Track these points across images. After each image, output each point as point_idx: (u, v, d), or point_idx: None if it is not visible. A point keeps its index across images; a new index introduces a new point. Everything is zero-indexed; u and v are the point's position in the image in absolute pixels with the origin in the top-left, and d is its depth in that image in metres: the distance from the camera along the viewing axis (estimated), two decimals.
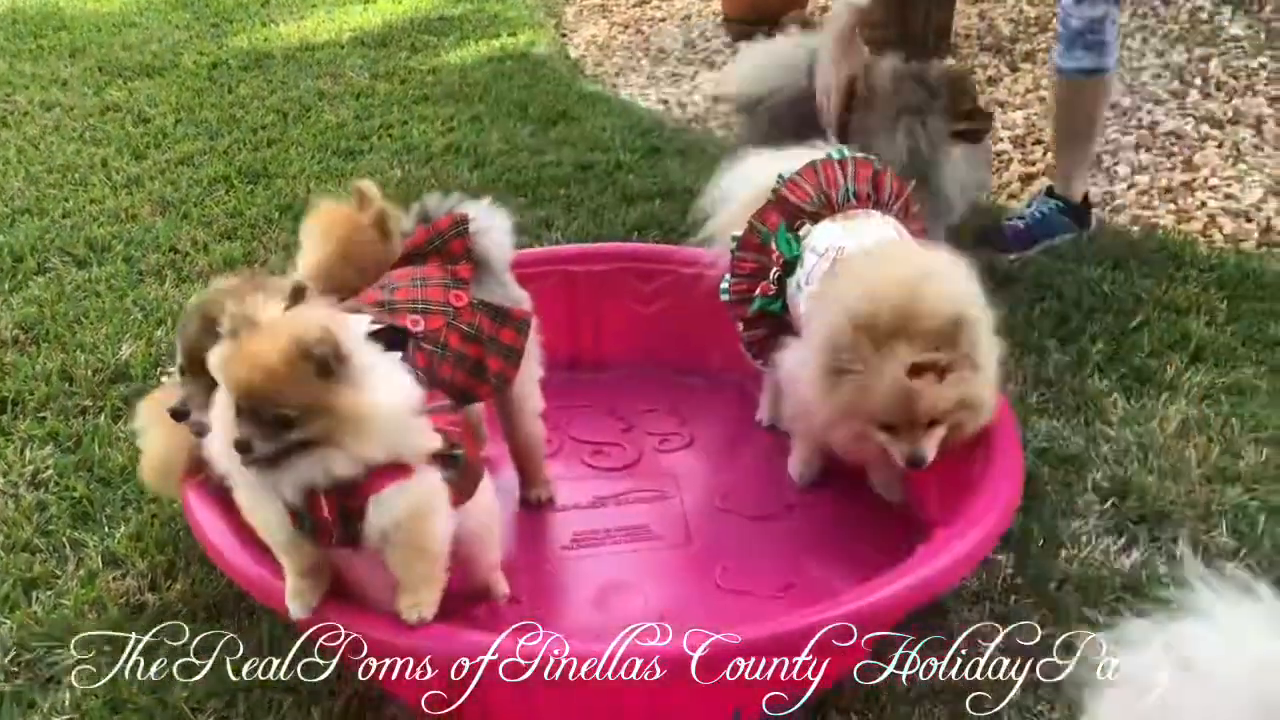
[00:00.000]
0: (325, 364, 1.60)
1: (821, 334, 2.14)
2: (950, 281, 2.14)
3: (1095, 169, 4.26)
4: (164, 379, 2.74)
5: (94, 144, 4.57)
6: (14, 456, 2.60)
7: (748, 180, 2.60)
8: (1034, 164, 4.38)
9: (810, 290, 2.32)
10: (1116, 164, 4.29)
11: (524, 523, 2.42)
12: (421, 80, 5.33)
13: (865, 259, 2.23)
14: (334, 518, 1.69)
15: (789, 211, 2.42)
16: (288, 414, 1.60)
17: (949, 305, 2.06)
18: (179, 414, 1.99)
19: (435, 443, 1.75)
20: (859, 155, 2.50)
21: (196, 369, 1.98)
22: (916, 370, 2.01)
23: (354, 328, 1.73)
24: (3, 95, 5.14)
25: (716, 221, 2.61)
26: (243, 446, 1.61)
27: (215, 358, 1.67)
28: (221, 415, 1.68)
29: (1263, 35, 5.33)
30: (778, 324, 2.43)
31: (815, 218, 2.41)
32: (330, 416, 1.62)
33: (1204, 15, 5.60)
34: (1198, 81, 4.92)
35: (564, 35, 6.41)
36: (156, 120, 4.82)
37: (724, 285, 2.53)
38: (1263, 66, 4.98)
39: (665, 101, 5.33)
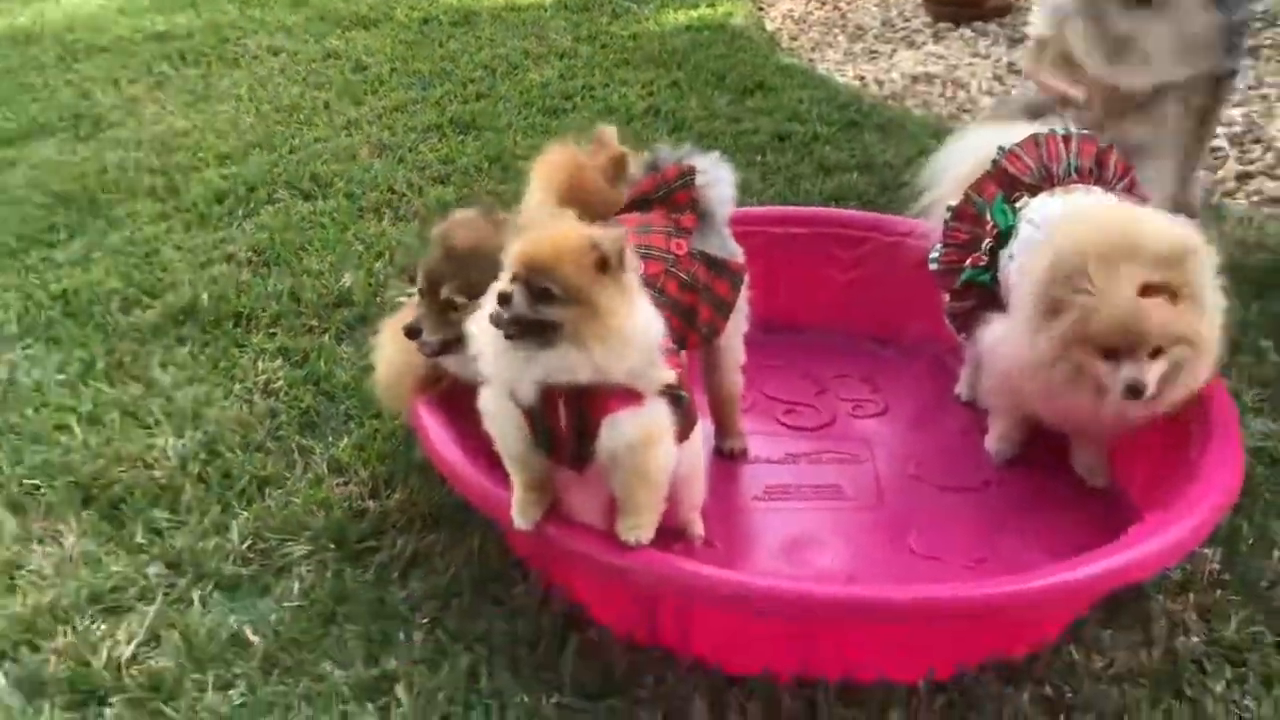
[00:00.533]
0: (606, 260, 1.71)
1: (1039, 272, 2.11)
2: (1174, 219, 2.15)
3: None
4: (390, 305, 2.90)
5: (316, 87, 4.83)
6: (248, 365, 2.80)
7: (968, 152, 2.59)
8: (1252, 162, 4.18)
9: (1021, 259, 2.30)
10: None
11: (718, 472, 2.47)
12: (622, 45, 5.42)
13: (1083, 211, 2.22)
14: (569, 431, 1.78)
15: (1007, 183, 2.40)
16: (554, 289, 1.70)
17: (1177, 233, 2.06)
18: (413, 331, 2.12)
19: (670, 376, 1.82)
20: (1084, 133, 2.46)
21: (433, 293, 2.11)
22: (1147, 290, 1.99)
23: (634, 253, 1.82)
24: (234, 39, 5.47)
25: (934, 193, 2.60)
26: (503, 298, 1.71)
27: (510, 247, 1.78)
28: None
29: None
30: (985, 296, 2.41)
31: (1034, 190, 2.37)
32: (590, 310, 1.71)
33: None
34: None
35: (761, 8, 6.41)
36: (373, 69, 5.06)
37: (934, 255, 2.52)
38: None
39: (862, 78, 5.28)
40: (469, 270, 2.03)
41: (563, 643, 1.99)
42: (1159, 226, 2.08)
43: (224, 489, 2.39)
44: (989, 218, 2.39)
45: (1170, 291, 1.99)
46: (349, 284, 3.15)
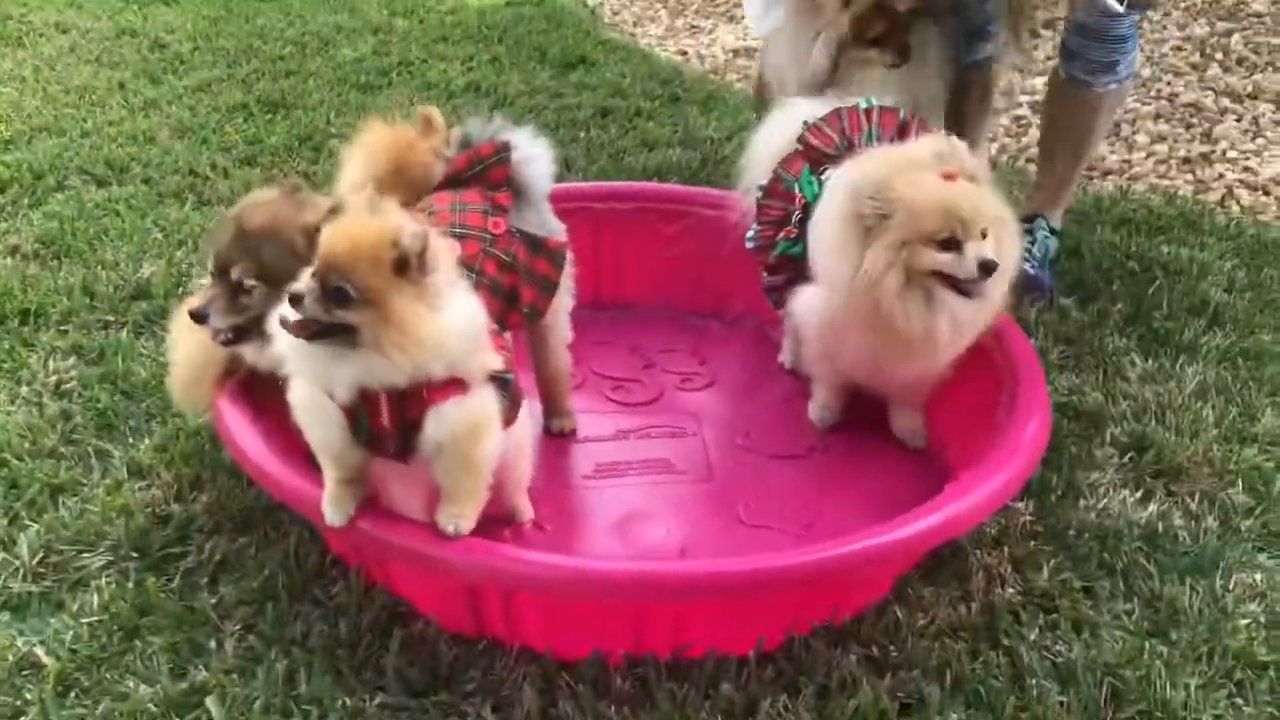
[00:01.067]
0: (405, 261, 1.62)
1: (843, 198, 2.18)
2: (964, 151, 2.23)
3: (1114, 137, 4.27)
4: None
5: (110, 67, 4.53)
6: (38, 366, 2.59)
7: (776, 132, 2.62)
8: None
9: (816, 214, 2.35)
10: (1135, 133, 4.30)
11: (547, 452, 2.42)
12: (440, 20, 5.29)
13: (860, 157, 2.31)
14: (393, 426, 1.70)
15: (813, 156, 2.44)
16: (349, 290, 1.61)
17: (938, 138, 2.24)
18: (199, 316, 1.98)
19: (496, 363, 1.76)
20: (884, 105, 2.52)
21: (223, 275, 1.98)
22: (949, 176, 2.10)
23: (446, 246, 1.73)
24: (18, 15, 5.08)
25: (752, 174, 2.61)
26: (294, 299, 1.62)
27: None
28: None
29: None
30: (799, 269, 2.44)
31: (838, 161, 2.41)
32: (381, 314, 1.62)
33: None
34: (1219, 55, 4.91)
35: None
36: (173, 47, 4.78)
37: (750, 233, 2.55)
38: None
39: (684, 52, 5.30)
40: (263, 252, 1.91)
41: (385, 640, 1.91)
42: (923, 141, 2.24)
43: (11, 500, 2.21)
44: (798, 191, 2.42)
45: (967, 176, 2.09)
46: (148, 275, 2.95)
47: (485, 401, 1.77)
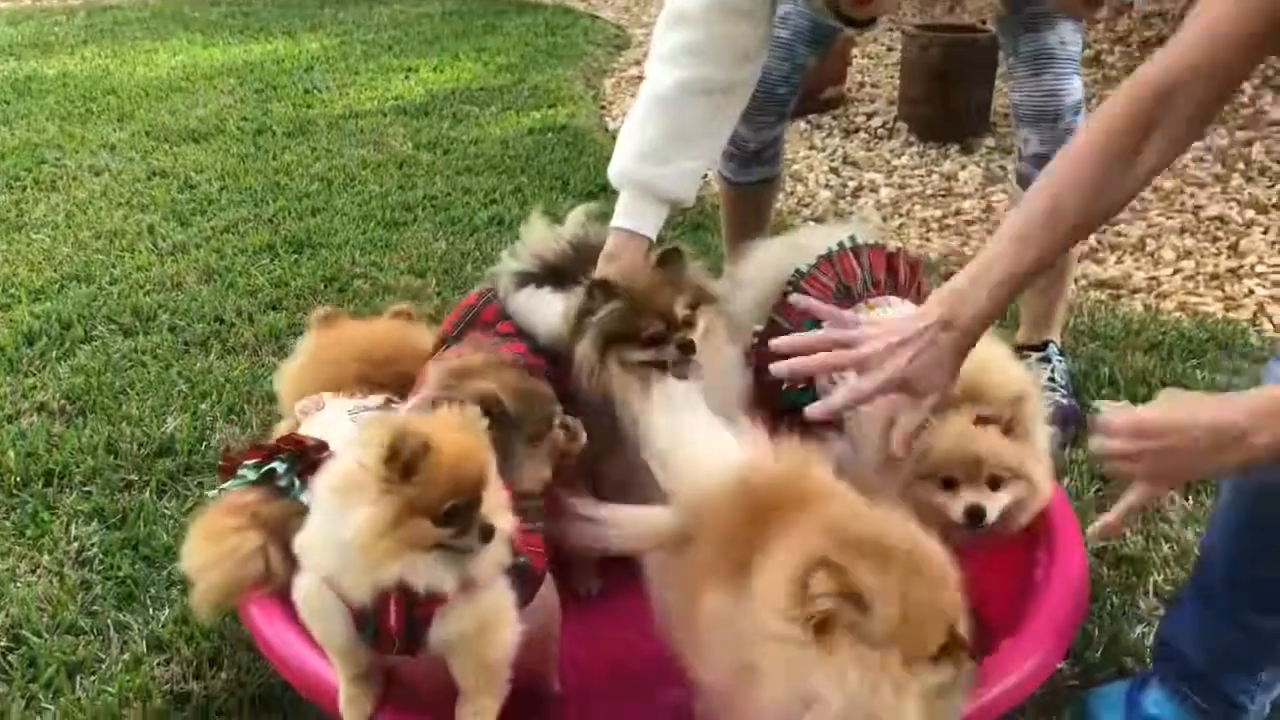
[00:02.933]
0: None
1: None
2: (1011, 362, 2.17)
3: (1140, 253, 4.24)
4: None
5: (140, 210, 4.62)
6: (60, 532, 2.58)
7: (763, 269, 2.63)
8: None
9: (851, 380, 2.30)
10: (1161, 249, 4.27)
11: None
12: (464, 151, 5.39)
13: None
14: (400, 627, 1.65)
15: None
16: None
17: (1011, 374, 2.10)
18: None
19: (504, 559, 1.72)
20: (870, 243, 2.51)
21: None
22: (981, 420, 1.99)
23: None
24: (53, 159, 5.22)
25: (736, 310, 2.59)
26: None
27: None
28: None
29: None
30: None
31: None
32: None
33: (1245, 99, 5.61)
34: (1240, 166, 4.92)
35: (603, 108, 6.48)
36: (202, 186, 4.88)
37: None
38: None
39: (704, 177, 5.35)
40: None
41: None
42: (1000, 369, 2.09)
43: (28, 680, 2.17)
44: None
45: (1002, 425, 1.99)
46: (171, 429, 2.95)
47: (496, 597, 1.72)
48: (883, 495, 2.02)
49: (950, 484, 2.01)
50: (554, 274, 2.41)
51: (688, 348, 2.16)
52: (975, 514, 1.99)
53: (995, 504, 2.00)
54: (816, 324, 2.37)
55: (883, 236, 2.67)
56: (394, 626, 1.64)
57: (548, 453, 2.03)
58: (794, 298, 2.29)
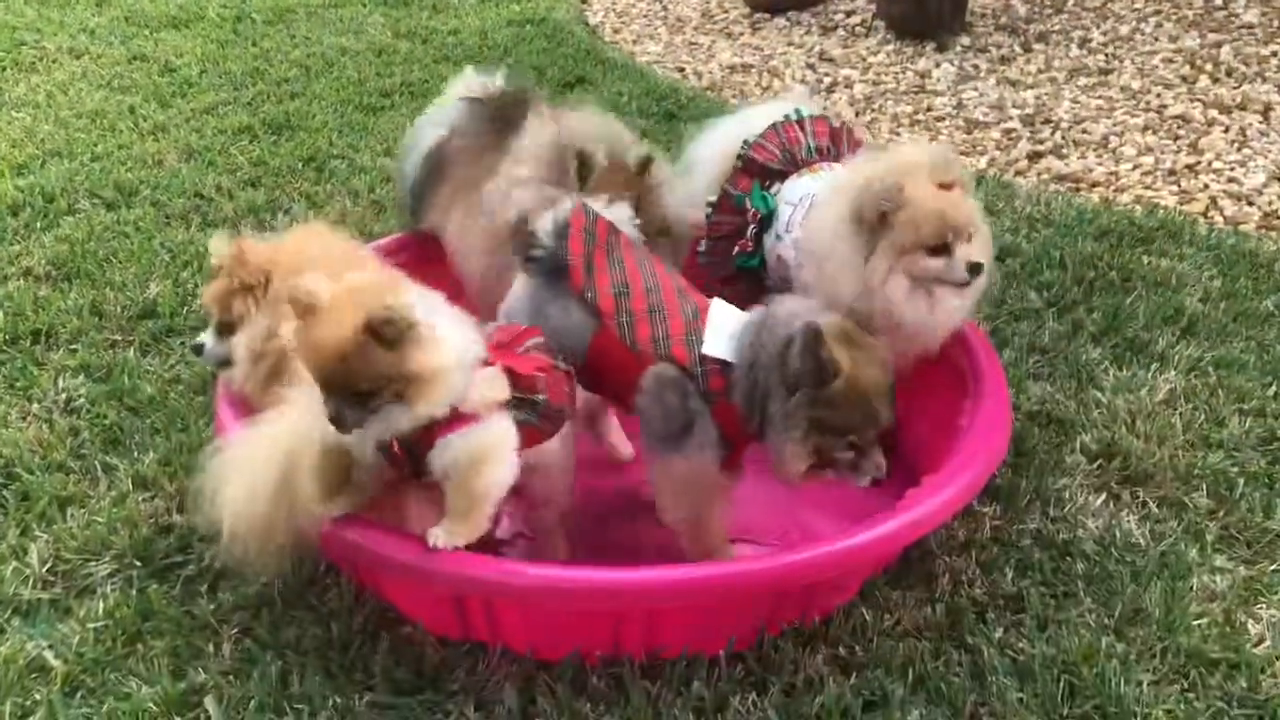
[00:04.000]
0: (393, 338, 1.71)
1: (846, 203, 2.28)
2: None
3: (1102, 149, 4.34)
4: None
5: (121, 91, 4.67)
6: (48, 384, 2.71)
7: (714, 146, 2.77)
8: (1041, 142, 4.45)
9: (799, 230, 2.46)
10: (1123, 145, 4.37)
11: None
12: (442, 41, 5.41)
13: (854, 166, 2.44)
14: (404, 454, 1.84)
15: (758, 172, 2.59)
16: (365, 388, 1.74)
17: (936, 149, 2.44)
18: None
19: (500, 394, 1.86)
20: (815, 113, 2.67)
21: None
22: (945, 186, 2.24)
23: (410, 289, 1.83)
24: (32, 41, 5.23)
25: (687, 189, 2.70)
26: (337, 421, 1.76)
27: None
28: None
29: (1275, 23, 5.39)
30: (755, 281, 2.56)
31: (783, 176, 2.57)
32: (403, 380, 1.75)
33: (1218, 2, 5.66)
34: (1208, 67, 4.98)
35: (583, 2, 6.47)
36: (182, 70, 4.92)
37: (701, 248, 2.67)
38: (1274, 54, 5.05)
39: (682, 69, 5.40)
40: None
41: (374, 643, 2.00)
42: (916, 148, 2.43)
43: (22, 512, 2.32)
44: (749, 206, 2.54)
45: (957, 186, 2.25)
46: (154, 295, 3.07)
47: (493, 431, 1.87)
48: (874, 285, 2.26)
49: (938, 250, 2.21)
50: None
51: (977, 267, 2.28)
52: (976, 267, 2.24)
53: (980, 257, 2.25)
54: (763, 189, 2.51)
55: (830, 115, 2.79)
56: (399, 454, 1.83)
57: None
58: None
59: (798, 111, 2.63)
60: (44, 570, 2.17)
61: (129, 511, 2.30)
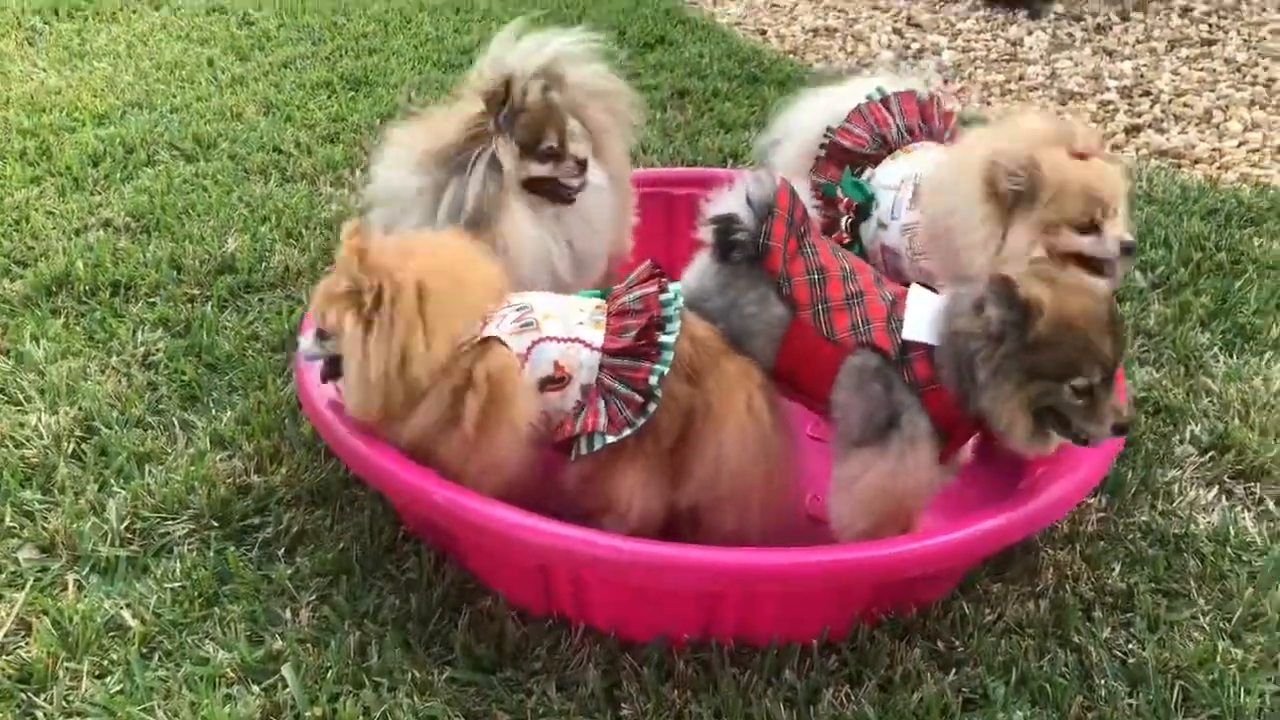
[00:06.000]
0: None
1: (973, 180, 2.11)
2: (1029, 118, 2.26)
3: (1205, 124, 4.15)
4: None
5: (200, 44, 4.64)
6: (126, 337, 2.68)
7: (798, 126, 2.60)
8: (1140, 115, 4.27)
9: (907, 215, 2.32)
10: (1228, 120, 4.17)
11: None
12: None
13: (964, 140, 2.29)
14: None
15: (847, 159, 2.43)
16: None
17: (1052, 119, 2.22)
18: None
19: None
20: (900, 90, 2.50)
21: None
22: (1082, 155, 2.07)
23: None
24: None
25: (776, 164, 2.58)
26: None
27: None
28: None
29: None
30: None
31: (875, 160, 2.42)
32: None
33: None
34: None
35: None
36: (260, 23, 4.88)
37: None
38: None
39: (763, 31, 5.26)
40: None
41: (455, 616, 1.95)
42: (1039, 117, 2.22)
43: (101, 467, 2.29)
44: (841, 195, 2.41)
45: (1096, 155, 2.08)
46: (232, 249, 3.03)
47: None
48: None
49: (1088, 228, 2.05)
50: None
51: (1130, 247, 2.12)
52: (1129, 247, 2.07)
53: (1128, 232, 2.08)
54: (855, 176, 2.38)
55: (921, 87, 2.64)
56: None
57: None
58: None
59: (880, 90, 2.47)
60: (122, 527, 2.14)
61: (206, 470, 2.26)
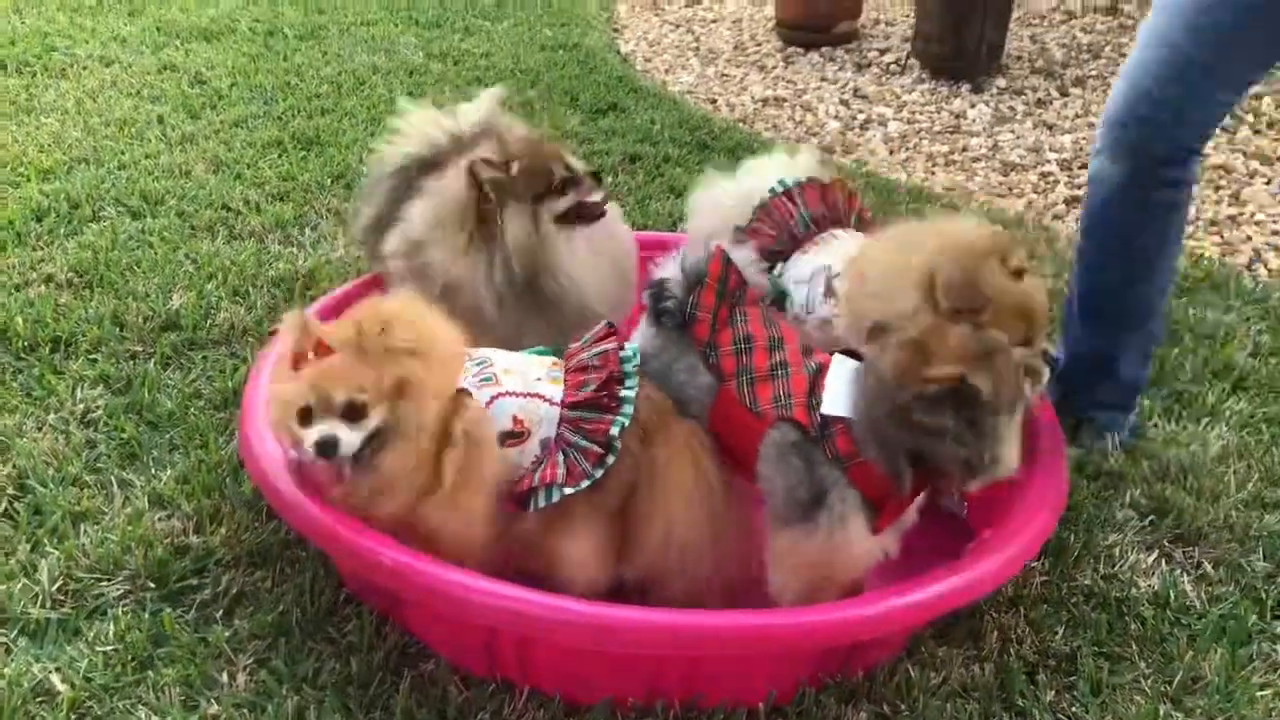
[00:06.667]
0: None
1: (908, 294, 2.05)
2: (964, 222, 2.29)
3: None
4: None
5: (150, 101, 4.62)
6: (65, 394, 2.62)
7: (712, 220, 2.59)
8: (1080, 187, 4.38)
9: (821, 308, 2.32)
10: None
11: None
12: (475, 63, 5.38)
13: (899, 232, 2.27)
14: None
15: (760, 258, 2.36)
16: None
17: (992, 231, 2.18)
18: None
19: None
20: (803, 180, 2.51)
21: None
22: (1019, 273, 2.06)
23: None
24: (63, 48, 5.20)
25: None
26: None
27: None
28: None
29: None
30: None
31: (785, 255, 2.43)
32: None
33: None
34: (1249, 118, 4.92)
35: (616, 30, 6.46)
36: (212, 82, 4.87)
37: None
38: None
39: (714, 100, 5.35)
40: None
41: (396, 680, 1.91)
42: (972, 230, 2.18)
43: (34, 526, 2.23)
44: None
45: (1028, 271, 2.08)
46: (177, 306, 2.99)
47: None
48: None
49: (1021, 343, 1.98)
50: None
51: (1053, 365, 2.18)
52: (1055, 361, 2.14)
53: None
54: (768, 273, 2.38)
55: (822, 169, 2.64)
56: None
57: None
58: None
59: (782, 183, 2.48)
60: (54, 589, 2.07)
61: (144, 530, 2.21)
